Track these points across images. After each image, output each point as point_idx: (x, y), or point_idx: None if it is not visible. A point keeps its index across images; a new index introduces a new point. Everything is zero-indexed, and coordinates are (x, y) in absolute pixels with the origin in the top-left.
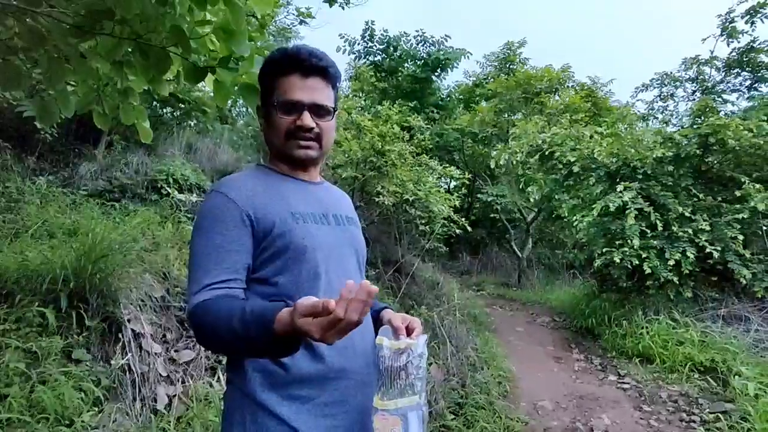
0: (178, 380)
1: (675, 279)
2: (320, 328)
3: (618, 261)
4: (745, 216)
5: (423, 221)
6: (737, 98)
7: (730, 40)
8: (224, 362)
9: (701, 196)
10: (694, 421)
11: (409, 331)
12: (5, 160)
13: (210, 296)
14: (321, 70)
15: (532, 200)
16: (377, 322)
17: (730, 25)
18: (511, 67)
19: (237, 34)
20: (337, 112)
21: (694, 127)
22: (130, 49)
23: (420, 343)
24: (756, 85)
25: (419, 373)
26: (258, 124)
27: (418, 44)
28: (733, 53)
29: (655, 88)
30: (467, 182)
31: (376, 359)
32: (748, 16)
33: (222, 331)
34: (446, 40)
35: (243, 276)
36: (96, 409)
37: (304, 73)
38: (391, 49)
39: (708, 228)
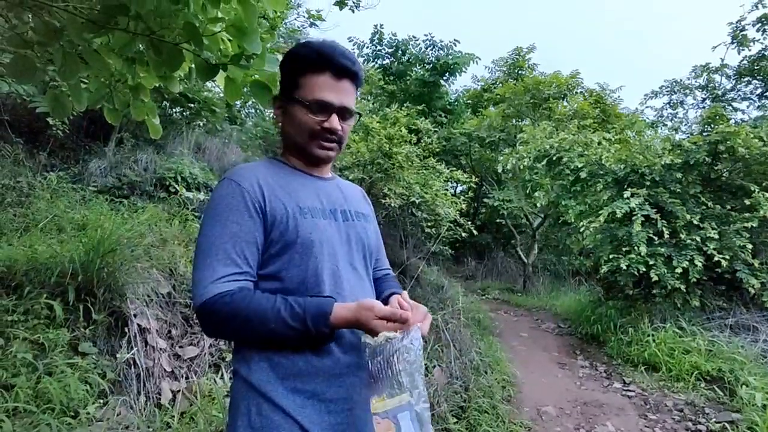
0: (182, 376)
1: (682, 287)
2: None
3: (625, 268)
4: (755, 225)
5: (429, 224)
6: (747, 107)
7: (741, 48)
8: (228, 359)
9: (710, 204)
10: (699, 431)
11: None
12: (17, 156)
13: (232, 288)
14: (353, 74)
15: (538, 206)
16: None
17: (741, 33)
18: (519, 72)
19: (249, 31)
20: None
21: (704, 134)
22: (142, 46)
23: (409, 333)
24: (767, 93)
25: (407, 368)
26: (271, 122)
27: (426, 48)
28: (744, 61)
29: (664, 95)
30: (474, 186)
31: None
32: (760, 24)
33: (256, 321)
34: (455, 45)
35: (254, 270)
36: (101, 401)
37: (336, 75)
38: (400, 52)
39: (716, 236)
